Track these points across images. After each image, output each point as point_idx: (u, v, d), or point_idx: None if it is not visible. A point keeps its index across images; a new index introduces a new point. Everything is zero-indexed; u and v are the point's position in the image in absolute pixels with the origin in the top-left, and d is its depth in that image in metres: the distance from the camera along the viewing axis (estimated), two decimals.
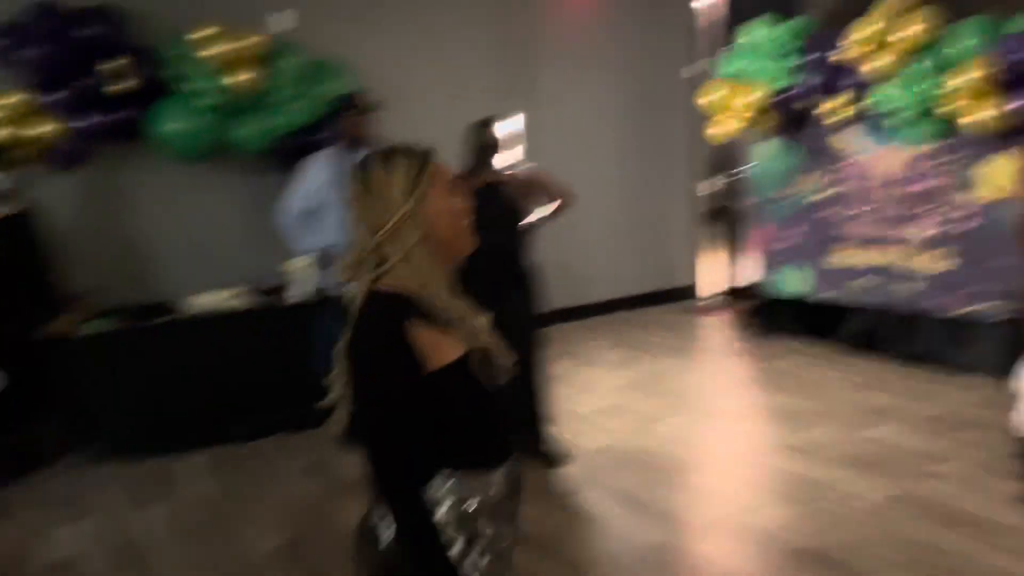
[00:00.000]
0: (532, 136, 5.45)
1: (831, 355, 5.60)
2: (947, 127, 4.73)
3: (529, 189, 3.98)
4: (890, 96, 4.83)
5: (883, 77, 4.87)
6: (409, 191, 1.49)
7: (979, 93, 4.38)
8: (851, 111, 5.20)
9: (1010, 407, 3.34)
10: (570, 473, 3.96)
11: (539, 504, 3.51)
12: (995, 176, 4.66)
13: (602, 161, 6.91)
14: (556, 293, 4.66)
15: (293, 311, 4.67)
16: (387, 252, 1.50)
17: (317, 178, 4.21)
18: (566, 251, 6.16)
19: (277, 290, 4.86)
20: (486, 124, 3.89)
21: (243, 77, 4.70)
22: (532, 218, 4.06)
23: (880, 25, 4.78)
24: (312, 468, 4.21)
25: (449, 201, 1.54)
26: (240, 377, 4.55)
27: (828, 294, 5.75)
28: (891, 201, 5.27)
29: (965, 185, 4.84)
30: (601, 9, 6.84)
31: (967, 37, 4.48)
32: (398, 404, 1.43)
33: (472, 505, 1.51)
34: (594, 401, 4.98)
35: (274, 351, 4.62)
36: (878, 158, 5.30)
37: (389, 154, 1.53)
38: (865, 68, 4.93)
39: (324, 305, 4.30)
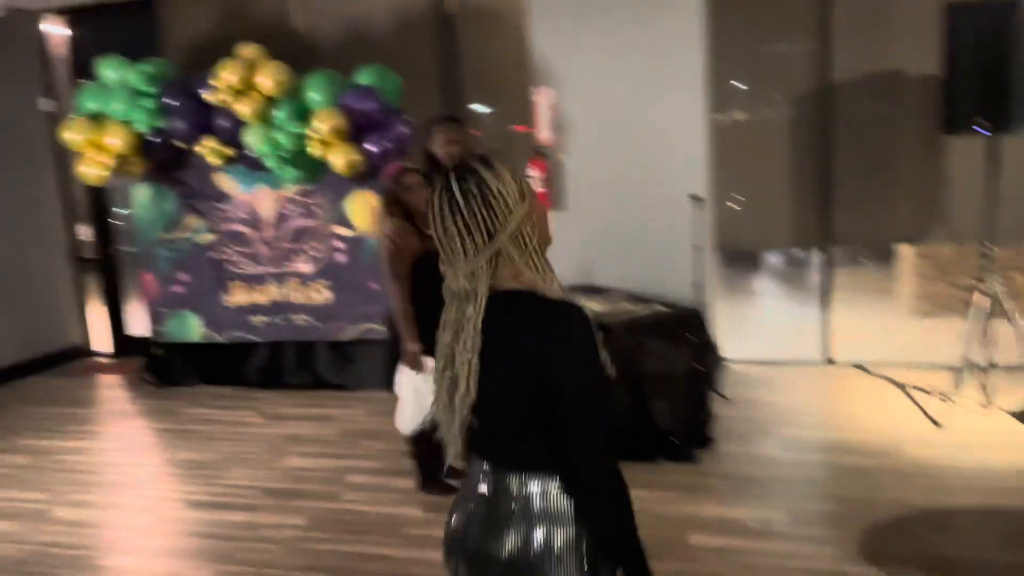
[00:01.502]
0: None
1: (237, 396, 5.63)
2: (314, 169, 5.18)
3: None
4: (259, 139, 5.08)
5: (251, 121, 5.09)
6: (521, 194, 1.51)
7: (335, 139, 4.91)
8: (228, 152, 5.30)
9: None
10: None
11: None
12: (357, 212, 5.30)
13: None
14: None
15: None
16: (508, 255, 1.49)
17: None
18: None
19: None
20: None
21: None
22: None
23: (239, 73, 4.99)
24: None
25: (536, 200, 1.56)
26: None
27: (226, 335, 5.76)
28: (274, 239, 5.56)
29: (335, 222, 5.39)
30: None
31: (316, 89, 4.97)
32: (609, 396, 1.51)
33: None
34: None
35: None
36: (258, 198, 5.53)
37: (487, 162, 1.51)
38: (237, 110, 5.08)
39: None
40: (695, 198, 4.75)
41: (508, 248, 1.48)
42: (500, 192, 1.48)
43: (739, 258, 6.58)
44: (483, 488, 1.56)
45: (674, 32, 4.79)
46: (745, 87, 5.33)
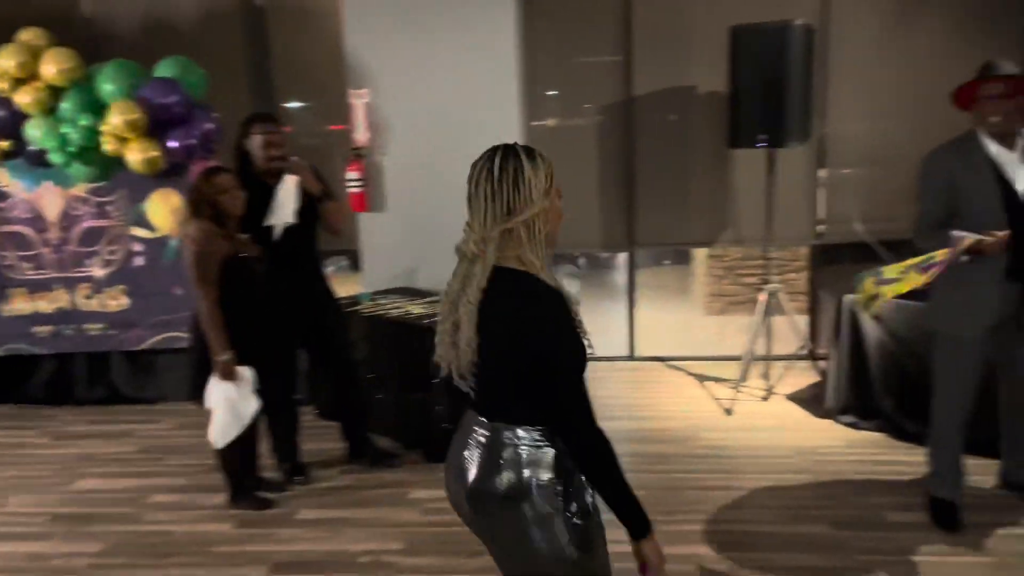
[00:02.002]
0: None
1: (19, 415, 5.11)
2: (108, 166, 4.79)
3: None
4: (44, 133, 4.64)
5: (33, 113, 4.64)
6: (547, 191, 1.75)
7: (132, 134, 4.57)
8: (6, 146, 4.80)
9: (207, 425, 3.62)
10: None
11: None
12: (158, 213, 4.97)
13: None
14: None
15: None
16: (518, 236, 1.71)
17: None
18: None
19: None
20: None
21: None
22: None
23: (19, 59, 4.54)
24: None
25: (559, 203, 1.80)
26: None
27: (7, 347, 5.20)
28: (61, 242, 5.08)
29: (132, 222, 5.01)
30: None
31: (110, 80, 4.61)
32: (583, 359, 1.74)
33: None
34: None
35: None
36: (43, 196, 5.04)
37: (532, 154, 1.76)
38: (16, 100, 4.60)
39: None
40: None
41: (520, 230, 1.72)
42: (530, 180, 1.73)
43: (554, 259, 6.86)
44: (481, 437, 1.82)
45: (489, 41, 4.89)
46: (557, 94, 5.54)
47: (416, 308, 4.41)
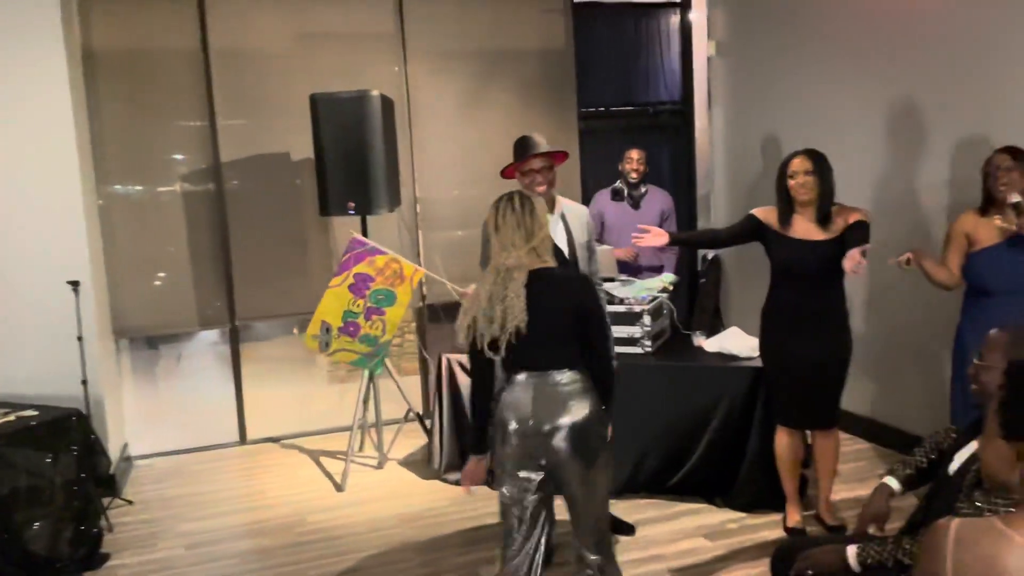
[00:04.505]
0: None
1: None
2: None
3: None
4: None
5: None
6: (545, 220, 2.63)
7: None
8: None
9: None
10: None
11: None
12: None
13: None
14: None
15: None
16: (539, 252, 2.57)
17: None
18: None
19: None
20: None
21: None
22: None
23: None
24: None
25: None
26: None
27: None
28: None
29: None
30: None
31: None
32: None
33: None
34: None
35: None
36: None
37: (526, 196, 2.64)
38: None
39: None
40: (73, 284, 4.25)
41: (539, 247, 2.56)
42: (538, 216, 2.59)
43: (147, 344, 6.18)
44: (531, 387, 2.53)
45: (42, 107, 4.26)
46: (134, 159, 5.02)
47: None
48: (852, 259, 3.13)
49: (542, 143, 3.29)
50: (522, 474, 2.52)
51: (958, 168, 4.05)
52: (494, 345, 2.48)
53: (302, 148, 5.02)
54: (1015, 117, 3.74)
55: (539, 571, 2.59)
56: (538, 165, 3.24)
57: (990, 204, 3.38)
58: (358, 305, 3.11)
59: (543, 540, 2.59)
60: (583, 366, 2.56)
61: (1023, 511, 1.45)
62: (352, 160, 4.44)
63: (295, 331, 8.66)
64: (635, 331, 4.10)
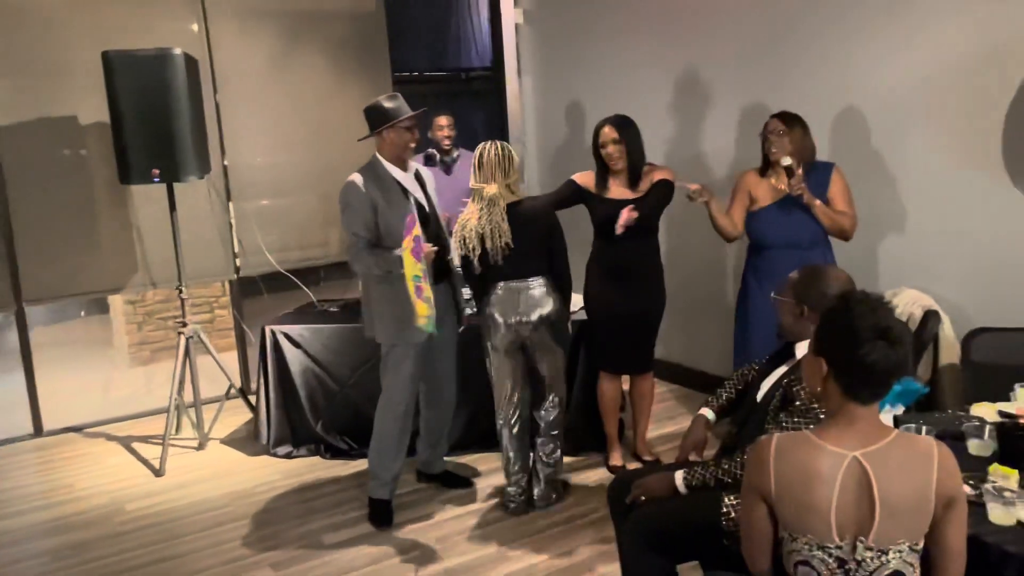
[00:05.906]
0: None
1: None
2: None
3: None
4: None
5: None
6: (518, 166, 3.43)
7: None
8: None
9: None
10: None
11: None
12: None
13: None
14: None
15: None
16: (513, 187, 3.38)
17: None
18: None
19: None
20: None
21: None
22: None
23: None
24: None
25: None
26: None
27: None
28: None
29: None
30: None
31: None
32: None
33: None
34: None
35: None
36: None
37: (506, 144, 3.41)
38: None
39: None
40: None
41: (513, 182, 3.38)
42: (513, 158, 3.38)
43: None
44: (512, 289, 3.41)
45: None
46: None
47: None
48: (622, 216, 3.46)
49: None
50: (510, 352, 3.46)
51: (743, 131, 4.48)
52: (483, 259, 3.35)
53: (91, 111, 4.61)
54: (791, 91, 4.20)
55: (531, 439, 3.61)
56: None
57: (768, 165, 3.74)
58: (419, 268, 2.93)
59: (529, 417, 3.56)
60: (548, 275, 3.42)
61: (830, 423, 1.71)
62: (154, 124, 4.13)
63: (82, 313, 7.96)
64: (466, 291, 4.19)
